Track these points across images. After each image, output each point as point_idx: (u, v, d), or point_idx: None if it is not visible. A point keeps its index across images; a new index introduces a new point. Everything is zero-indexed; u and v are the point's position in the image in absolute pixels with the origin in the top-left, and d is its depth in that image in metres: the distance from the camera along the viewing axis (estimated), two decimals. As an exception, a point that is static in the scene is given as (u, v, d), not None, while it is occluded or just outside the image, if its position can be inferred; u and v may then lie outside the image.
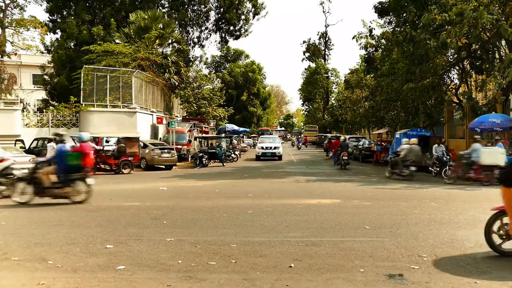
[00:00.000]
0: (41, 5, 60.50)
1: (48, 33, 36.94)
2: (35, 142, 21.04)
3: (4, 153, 16.11)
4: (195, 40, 41.02)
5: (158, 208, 9.58)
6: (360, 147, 29.59)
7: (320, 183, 15.66)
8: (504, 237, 5.68)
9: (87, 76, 25.02)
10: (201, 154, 23.94)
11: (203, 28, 40.71)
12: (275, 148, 29.48)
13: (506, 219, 5.62)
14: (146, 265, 5.36)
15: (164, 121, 29.41)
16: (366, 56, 29.79)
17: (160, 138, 28.15)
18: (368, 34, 25.93)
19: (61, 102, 25.71)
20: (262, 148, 29.73)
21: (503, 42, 19.19)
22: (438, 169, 17.74)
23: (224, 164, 24.68)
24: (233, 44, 65.42)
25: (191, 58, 41.29)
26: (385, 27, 26.77)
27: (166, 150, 22.05)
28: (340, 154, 22.74)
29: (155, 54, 29.95)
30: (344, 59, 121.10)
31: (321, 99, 66.02)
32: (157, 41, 31.40)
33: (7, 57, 40.04)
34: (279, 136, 42.93)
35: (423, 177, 17.67)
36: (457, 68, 24.68)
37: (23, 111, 25.10)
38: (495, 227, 5.74)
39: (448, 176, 15.82)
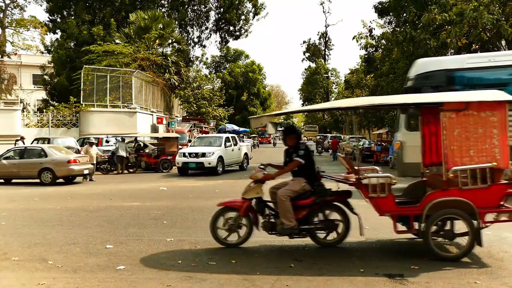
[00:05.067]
0: (41, 5, 60.49)
1: (48, 33, 36.94)
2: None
3: (67, 153, 16.17)
4: (195, 40, 41.02)
5: (158, 208, 9.59)
6: (360, 147, 29.56)
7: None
8: (228, 230, 6.16)
9: (87, 76, 25.04)
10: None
11: (203, 28, 40.71)
12: (203, 155, 18.32)
13: (230, 214, 6.17)
14: (146, 265, 5.36)
15: (164, 121, 29.41)
16: (366, 56, 29.77)
17: (160, 138, 28.13)
18: (368, 34, 25.88)
19: (61, 102, 25.71)
20: (184, 155, 18.74)
21: (503, 42, 19.19)
22: None
23: (224, 164, 24.53)
24: (233, 44, 65.41)
25: (191, 58, 41.30)
26: (385, 27, 26.75)
27: (166, 150, 22.00)
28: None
29: (155, 54, 29.94)
30: (344, 59, 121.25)
31: (321, 99, 65.99)
32: (157, 41, 31.39)
33: (7, 57, 40.12)
34: (256, 135, 36.37)
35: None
36: (457, 68, 24.64)
37: (23, 111, 25.10)
38: (220, 221, 6.18)
39: None
